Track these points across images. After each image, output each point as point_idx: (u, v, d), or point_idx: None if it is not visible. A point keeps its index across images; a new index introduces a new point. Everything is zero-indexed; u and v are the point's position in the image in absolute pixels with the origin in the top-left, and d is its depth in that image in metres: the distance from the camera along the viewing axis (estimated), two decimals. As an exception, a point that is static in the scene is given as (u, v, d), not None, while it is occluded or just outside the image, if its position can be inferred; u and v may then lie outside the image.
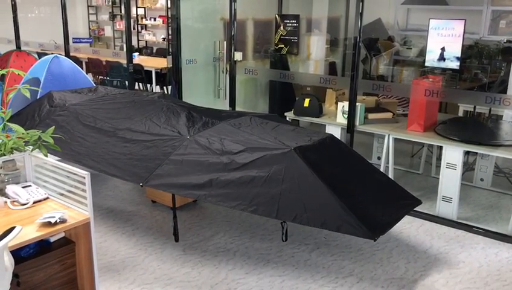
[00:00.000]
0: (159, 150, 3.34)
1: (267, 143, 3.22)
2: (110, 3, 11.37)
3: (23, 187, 2.70)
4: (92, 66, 8.24)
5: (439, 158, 4.61)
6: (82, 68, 6.90)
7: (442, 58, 4.03)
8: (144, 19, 11.17)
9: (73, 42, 7.00)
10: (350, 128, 4.53)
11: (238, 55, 5.23)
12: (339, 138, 4.68)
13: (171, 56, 5.67)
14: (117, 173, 3.32)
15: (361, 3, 4.20)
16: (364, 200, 3.12)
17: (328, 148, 3.37)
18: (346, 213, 2.84)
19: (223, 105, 5.57)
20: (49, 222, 2.39)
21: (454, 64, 4.01)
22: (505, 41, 6.14)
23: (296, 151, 3.08)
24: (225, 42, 5.72)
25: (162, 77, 7.95)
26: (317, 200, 2.94)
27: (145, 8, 11.10)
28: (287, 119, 4.91)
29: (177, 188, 3.15)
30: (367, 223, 2.87)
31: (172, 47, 5.64)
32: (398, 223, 3.17)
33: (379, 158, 5.35)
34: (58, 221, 2.40)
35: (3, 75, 4.23)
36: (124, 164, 3.36)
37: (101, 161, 3.43)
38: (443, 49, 4.01)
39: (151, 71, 7.88)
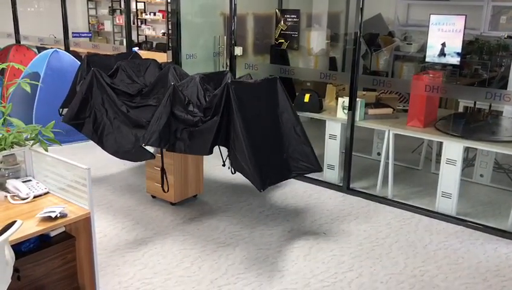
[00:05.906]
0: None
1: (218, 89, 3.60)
2: (110, -3, 11.34)
3: (23, 182, 2.70)
4: (92, 60, 8.21)
5: (439, 154, 4.61)
6: (82, 63, 6.88)
7: (442, 53, 4.02)
8: (143, 14, 11.12)
9: (73, 37, 6.98)
10: (350, 123, 4.53)
11: (238, 50, 5.22)
12: (339, 133, 4.69)
13: (171, 51, 5.67)
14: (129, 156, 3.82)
15: (361, -1, 4.20)
16: (271, 150, 3.46)
17: (264, 89, 3.60)
18: (249, 159, 3.20)
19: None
20: (50, 217, 2.39)
21: (455, 60, 4.01)
22: (505, 36, 6.13)
23: (231, 85, 3.33)
24: (225, 37, 5.71)
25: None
26: (235, 142, 3.34)
27: (144, 2, 11.05)
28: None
29: (166, 142, 3.53)
30: (263, 173, 3.25)
31: (172, 42, 5.64)
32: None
33: (379, 154, 5.35)
34: (58, 216, 2.40)
35: (3, 69, 4.21)
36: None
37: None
38: (443, 44, 4.00)
39: (151, 66, 7.86)
